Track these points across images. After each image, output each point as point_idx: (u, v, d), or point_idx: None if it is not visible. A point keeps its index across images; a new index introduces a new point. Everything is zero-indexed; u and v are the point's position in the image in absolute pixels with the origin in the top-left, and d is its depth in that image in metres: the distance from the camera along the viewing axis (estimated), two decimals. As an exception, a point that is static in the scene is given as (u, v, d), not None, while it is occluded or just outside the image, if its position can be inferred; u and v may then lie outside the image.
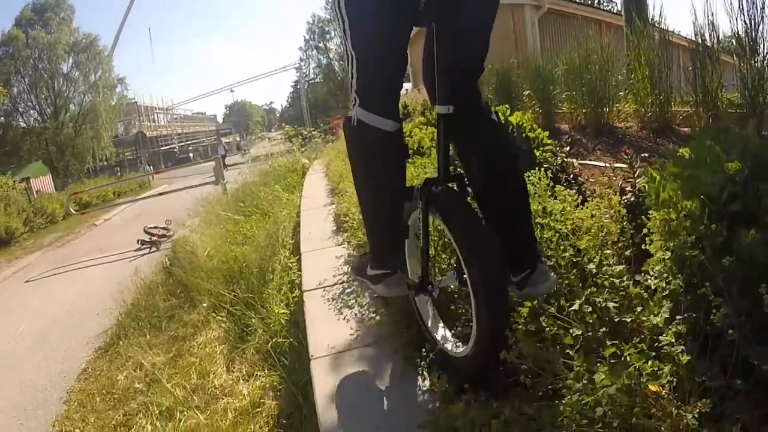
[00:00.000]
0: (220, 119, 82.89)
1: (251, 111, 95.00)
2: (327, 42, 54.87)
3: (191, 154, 41.37)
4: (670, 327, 1.26)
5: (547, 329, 1.42)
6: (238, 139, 62.71)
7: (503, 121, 2.01)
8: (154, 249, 8.28)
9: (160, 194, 12.57)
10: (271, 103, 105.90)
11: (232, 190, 8.48)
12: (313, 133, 15.58)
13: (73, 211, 12.72)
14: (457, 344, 1.65)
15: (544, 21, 12.80)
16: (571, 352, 1.30)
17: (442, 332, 1.75)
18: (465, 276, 1.43)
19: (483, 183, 1.61)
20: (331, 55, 55.43)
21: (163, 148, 44.01)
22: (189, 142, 52.43)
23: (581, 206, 2.10)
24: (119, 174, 30.88)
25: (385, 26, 1.46)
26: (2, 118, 31.65)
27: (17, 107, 33.40)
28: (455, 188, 1.56)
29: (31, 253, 12.08)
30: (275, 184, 6.78)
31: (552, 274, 1.56)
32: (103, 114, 34.82)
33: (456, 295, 1.82)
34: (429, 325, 1.79)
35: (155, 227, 9.00)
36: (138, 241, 8.72)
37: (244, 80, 63.82)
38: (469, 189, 1.61)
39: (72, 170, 32.76)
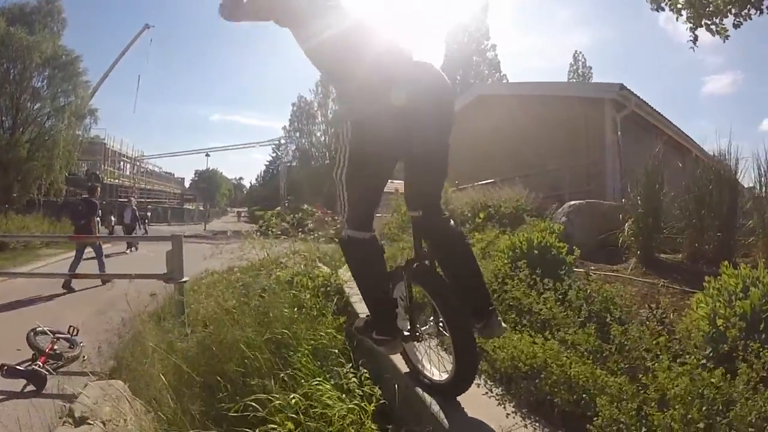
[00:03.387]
0: (187, 183, 78.60)
1: (220, 182, 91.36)
2: (312, 126, 53.57)
3: (148, 213, 36.04)
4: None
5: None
6: (201, 208, 59.15)
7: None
8: (29, 388, 4.38)
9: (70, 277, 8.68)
10: (240, 178, 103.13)
11: (194, 310, 4.82)
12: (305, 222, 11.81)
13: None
14: (440, 374, 2.49)
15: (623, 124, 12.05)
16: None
17: (427, 365, 2.60)
18: (441, 322, 2.42)
19: (443, 260, 2.50)
20: (313, 140, 53.95)
21: (120, 199, 39.16)
22: (149, 199, 47.95)
23: None
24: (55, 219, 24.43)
25: (368, 188, 2.50)
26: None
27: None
28: (426, 263, 2.48)
29: None
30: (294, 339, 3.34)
31: (503, 324, 2.41)
32: (61, 143, 30.27)
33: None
34: (414, 361, 2.65)
35: (50, 333, 5.24)
36: (2, 369, 4.39)
37: (220, 147, 61.45)
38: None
39: (13, 197, 28.01)
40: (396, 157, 2.47)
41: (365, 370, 2.71)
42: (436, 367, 2.54)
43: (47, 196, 31.13)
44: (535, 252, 4.27)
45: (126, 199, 24.89)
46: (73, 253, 10.46)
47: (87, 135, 34.33)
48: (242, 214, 55.80)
